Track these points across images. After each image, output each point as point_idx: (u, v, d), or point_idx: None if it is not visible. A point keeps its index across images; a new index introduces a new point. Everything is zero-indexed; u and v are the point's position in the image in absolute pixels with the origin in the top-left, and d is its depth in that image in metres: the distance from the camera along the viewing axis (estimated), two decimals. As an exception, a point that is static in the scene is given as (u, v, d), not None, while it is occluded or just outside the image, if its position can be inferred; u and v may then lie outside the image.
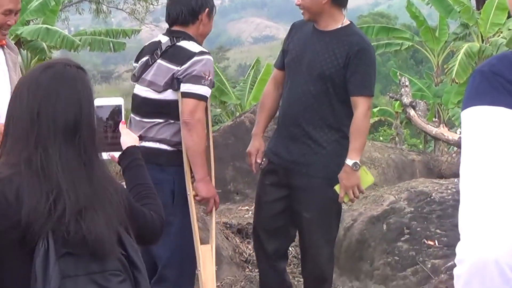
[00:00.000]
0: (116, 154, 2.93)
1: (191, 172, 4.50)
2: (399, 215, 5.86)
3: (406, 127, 22.98)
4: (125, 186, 2.83)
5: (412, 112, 11.86)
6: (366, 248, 5.84)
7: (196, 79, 4.39)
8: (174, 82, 4.43)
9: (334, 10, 4.63)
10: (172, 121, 4.50)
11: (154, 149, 4.48)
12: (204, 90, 4.40)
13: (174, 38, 4.54)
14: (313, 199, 4.68)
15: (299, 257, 5.26)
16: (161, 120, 4.50)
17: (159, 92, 4.49)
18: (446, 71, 15.85)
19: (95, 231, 2.32)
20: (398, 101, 15.52)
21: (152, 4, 36.65)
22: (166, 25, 4.66)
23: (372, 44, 18.10)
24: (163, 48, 4.53)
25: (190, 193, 4.50)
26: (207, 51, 4.52)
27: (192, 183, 4.51)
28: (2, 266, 2.33)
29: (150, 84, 4.53)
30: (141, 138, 4.39)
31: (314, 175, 4.67)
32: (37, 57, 17.27)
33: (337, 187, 4.62)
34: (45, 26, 16.32)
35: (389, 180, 9.19)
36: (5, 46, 4.35)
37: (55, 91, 2.40)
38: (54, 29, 16.59)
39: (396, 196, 6.19)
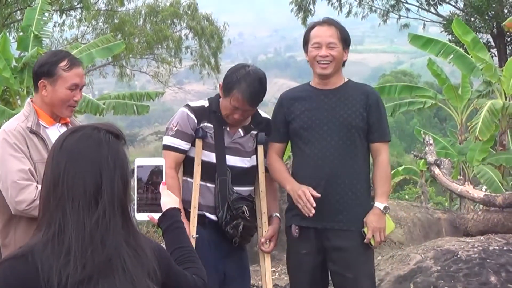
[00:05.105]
0: (156, 216, 2.87)
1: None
2: (426, 274, 5.82)
3: (431, 186, 22.86)
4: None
5: (437, 170, 11.81)
6: (394, 308, 5.79)
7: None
8: None
9: (341, 68, 4.79)
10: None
11: None
12: (167, 140, 4.61)
13: None
14: (354, 258, 4.64)
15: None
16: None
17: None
18: (469, 128, 15.78)
19: None
20: (423, 160, 15.48)
21: (175, 67, 37.07)
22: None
23: (396, 102, 17.89)
24: None
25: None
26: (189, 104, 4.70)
27: None
28: None
29: None
30: None
31: (355, 228, 4.63)
32: (62, 121, 17.35)
33: (366, 229, 4.59)
34: (69, 90, 16.42)
35: (415, 239, 9.14)
36: (69, 124, 4.30)
37: (77, 155, 2.36)
38: (79, 93, 16.68)
39: (422, 255, 6.15)
